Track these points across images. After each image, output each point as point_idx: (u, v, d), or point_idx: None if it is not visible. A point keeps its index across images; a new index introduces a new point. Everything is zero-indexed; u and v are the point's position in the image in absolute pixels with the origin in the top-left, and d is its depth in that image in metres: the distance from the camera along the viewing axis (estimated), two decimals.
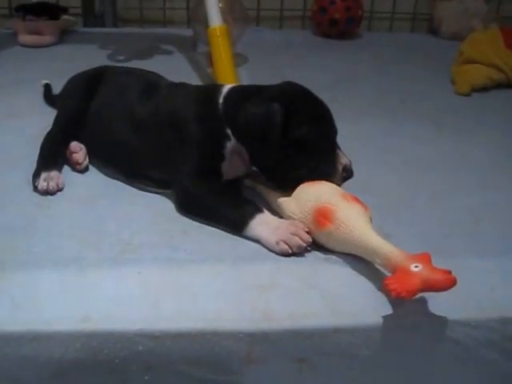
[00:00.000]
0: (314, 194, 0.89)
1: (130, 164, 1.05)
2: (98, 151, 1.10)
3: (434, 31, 2.24)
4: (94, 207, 0.97)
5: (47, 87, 1.40)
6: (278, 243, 0.86)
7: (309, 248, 0.87)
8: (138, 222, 0.93)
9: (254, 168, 1.00)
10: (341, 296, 0.78)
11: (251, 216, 0.90)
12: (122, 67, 1.26)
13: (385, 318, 0.76)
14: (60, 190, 1.02)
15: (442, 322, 0.76)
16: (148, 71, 1.20)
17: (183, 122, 0.99)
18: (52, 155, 1.08)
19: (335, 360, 0.76)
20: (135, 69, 1.22)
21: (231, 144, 0.97)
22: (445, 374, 0.79)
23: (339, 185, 0.94)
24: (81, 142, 1.11)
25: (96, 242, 0.88)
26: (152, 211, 0.96)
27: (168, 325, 0.73)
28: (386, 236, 0.91)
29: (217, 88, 1.02)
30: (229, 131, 0.97)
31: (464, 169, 1.16)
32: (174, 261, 0.84)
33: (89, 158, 1.11)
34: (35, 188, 1.01)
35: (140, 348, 0.72)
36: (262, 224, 0.89)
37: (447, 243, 0.91)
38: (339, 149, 0.97)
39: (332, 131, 0.97)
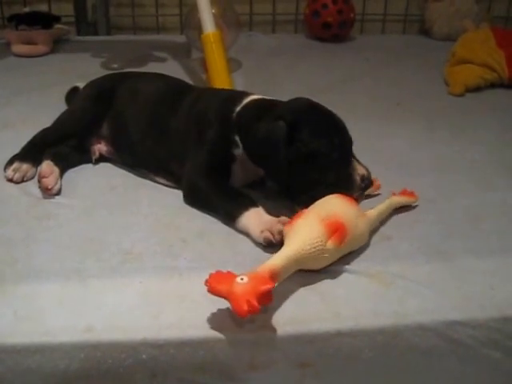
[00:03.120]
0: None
1: (153, 158, 1.09)
2: (123, 148, 1.14)
3: (425, 32, 2.25)
4: (94, 217, 0.97)
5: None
6: (262, 232, 0.89)
7: None
8: (137, 231, 0.93)
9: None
10: (342, 299, 0.79)
11: (246, 208, 0.93)
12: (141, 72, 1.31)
13: (386, 320, 0.76)
14: (25, 181, 1.07)
15: (442, 322, 0.77)
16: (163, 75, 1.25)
17: (205, 123, 1.04)
18: (35, 150, 1.12)
19: (338, 363, 0.76)
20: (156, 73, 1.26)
21: (239, 151, 1.01)
22: (447, 374, 0.79)
23: (358, 196, 0.94)
24: (104, 140, 1.16)
25: (96, 252, 0.88)
26: (151, 220, 0.97)
27: (171, 333, 0.73)
28: (386, 238, 0.92)
29: (241, 97, 1.05)
30: (237, 138, 1.00)
31: (461, 169, 1.16)
32: (174, 269, 0.84)
33: (114, 155, 1.16)
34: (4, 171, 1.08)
35: (144, 357, 0.72)
36: (254, 215, 0.92)
37: (446, 244, 0.91)
38: (355, 159, 0.97)
39: (345, 142, 0.97)
